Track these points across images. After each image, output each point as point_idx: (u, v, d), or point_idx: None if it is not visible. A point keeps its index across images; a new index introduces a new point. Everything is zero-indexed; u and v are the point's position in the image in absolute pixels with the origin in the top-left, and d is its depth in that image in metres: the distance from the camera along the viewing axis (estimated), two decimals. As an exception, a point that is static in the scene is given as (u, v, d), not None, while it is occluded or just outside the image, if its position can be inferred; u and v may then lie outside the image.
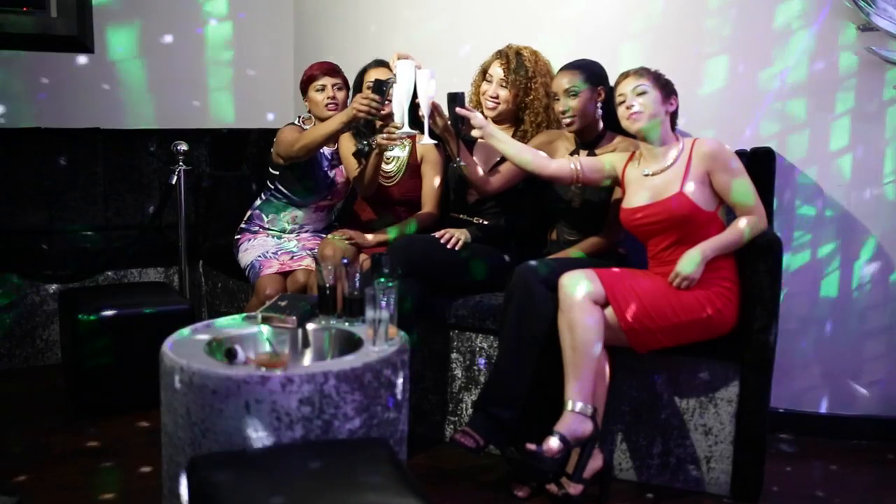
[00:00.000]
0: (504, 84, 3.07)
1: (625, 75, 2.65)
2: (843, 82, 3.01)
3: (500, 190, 3.02)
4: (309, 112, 3.41)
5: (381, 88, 2.89)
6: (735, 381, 2.63)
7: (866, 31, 2.94)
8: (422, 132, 2.84)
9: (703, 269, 2.54)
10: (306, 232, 3.49)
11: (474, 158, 3.03)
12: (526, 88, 3.07)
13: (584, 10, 3.31)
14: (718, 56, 3.10)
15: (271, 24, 4.42)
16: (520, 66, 3.05)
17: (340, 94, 3.34)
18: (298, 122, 3.43)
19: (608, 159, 2.79)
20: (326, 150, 3.41)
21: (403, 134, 2.84)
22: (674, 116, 2.67)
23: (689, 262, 2.53)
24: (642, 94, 2.59)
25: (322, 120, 3.26)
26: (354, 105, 2.95)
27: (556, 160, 2.81)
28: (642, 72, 2.62)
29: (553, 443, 2.43)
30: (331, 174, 3.42)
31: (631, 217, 2.67)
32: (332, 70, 3.37)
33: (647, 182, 2.65)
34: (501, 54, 3.10)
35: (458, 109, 2.74)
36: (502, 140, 2.79)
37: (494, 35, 3.23)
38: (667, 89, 2.62)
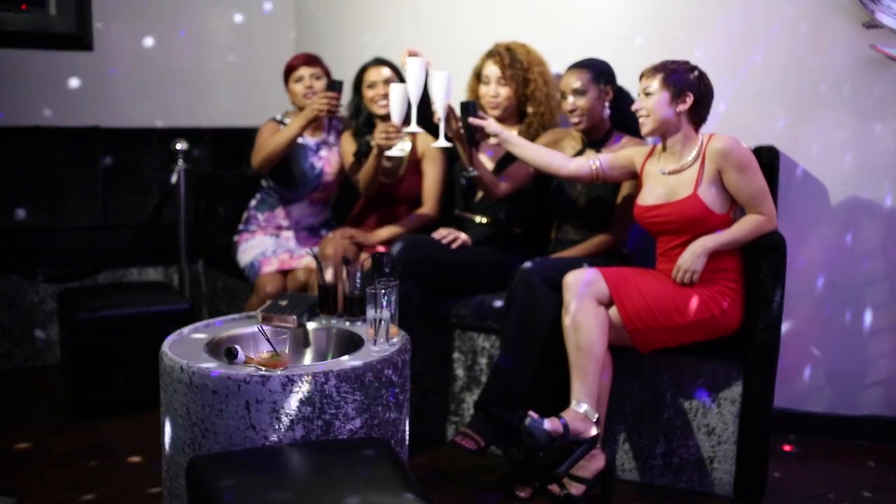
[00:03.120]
0: (503, 82, 3.06)
1: (642, 73, 2.61)
2: (846, 80, 2.99)
3: (510, 192, 3.03)
4: (293, 104, 3.41)
5: (335, 85, 3.09)
6: (738, 380, 2.61)
7: (870, 28, 2.92)
8: (434, 135, 2.81)
9: (709, 270, 2.52)
10: (304, 230, 3.47)
11: (484, 155, 3.04)
12: (524, 80, 3.08)
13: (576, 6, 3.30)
14: (721, 54, 3.08)
15: (272, 22, 4.41)
16: (514, 60, 3.06)
17: (318, 84, 3.34)
18: (280, 116, 3.42)
19: (627, 154, 2.76)
20: (311, 141, 3.41)
21: (404, 133, 2.82)
22: (692, 113, 2.58)
23: (691, 254, 2.52)
24: (648, 95, 2.56)
25: (302, 110, 3.26)
26: (313, 106, 3.08)
27: (575, 159, 2.78)
28: (654, 70, 2.57)
29: (555, 423, 2.40)
30: (318, 165, 3.41)
31: (644, 214, 2.65)
32: (311, 60, 3.38)
33: (663, 180, 2.62)
34: (493, 53, 3.10)
35: (471, 119, 2.72)
36: (519, 144, 2.77)
37: (508, 32, 3.22)
38: (678, 87, 2.54)
